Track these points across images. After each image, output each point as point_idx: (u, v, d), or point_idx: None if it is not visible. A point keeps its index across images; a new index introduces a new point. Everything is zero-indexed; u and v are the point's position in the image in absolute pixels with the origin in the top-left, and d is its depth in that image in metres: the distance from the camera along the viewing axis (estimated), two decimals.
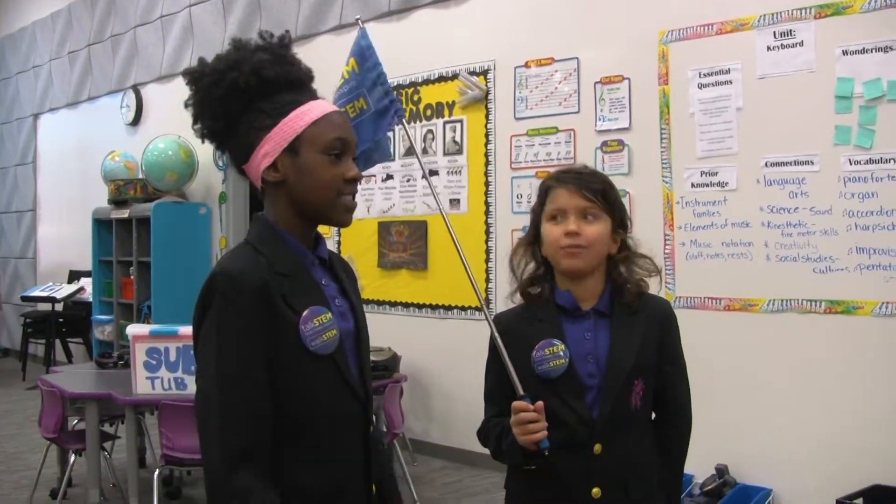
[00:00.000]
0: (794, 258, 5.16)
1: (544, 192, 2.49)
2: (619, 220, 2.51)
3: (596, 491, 2.38)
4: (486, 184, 6.74)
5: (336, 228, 7.79)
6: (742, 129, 5.37)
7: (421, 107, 7.29)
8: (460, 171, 6.93)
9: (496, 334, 2.48)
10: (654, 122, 5.75)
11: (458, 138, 7.01)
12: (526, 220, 6.07)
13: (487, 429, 2.54)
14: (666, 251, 5.67)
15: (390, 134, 3.16)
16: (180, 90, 2.29)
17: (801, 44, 5.12)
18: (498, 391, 2.55)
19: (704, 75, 5.52)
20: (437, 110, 7.18)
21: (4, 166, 13.61)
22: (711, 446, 5.41)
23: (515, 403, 2.34)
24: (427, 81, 7.25)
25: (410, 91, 7.36)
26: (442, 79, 7.14)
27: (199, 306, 2.05)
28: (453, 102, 7.03)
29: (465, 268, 2.89)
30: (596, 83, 6.08)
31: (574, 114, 6.21)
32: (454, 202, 6.89)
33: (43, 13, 12.50)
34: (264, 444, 1.99)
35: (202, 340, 2.05)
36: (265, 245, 2.11)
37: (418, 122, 7.30)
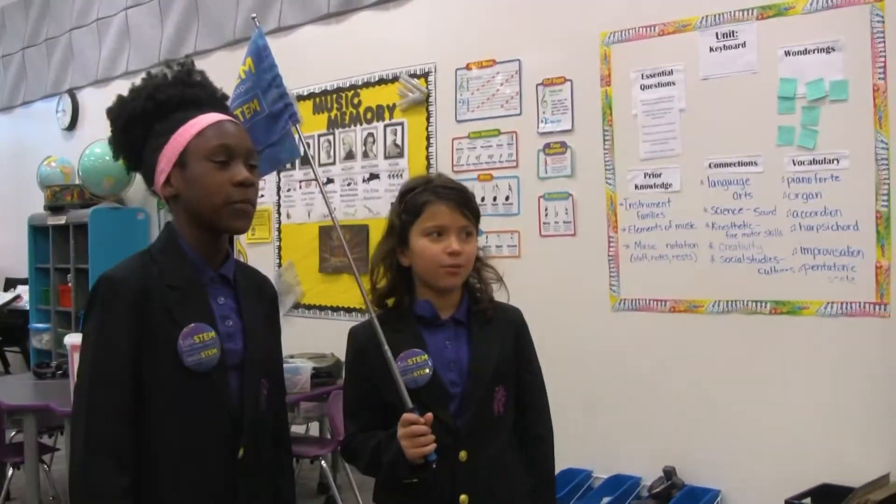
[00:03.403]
0: (738, 259, 5.15)
1: (419, 206, 2.46)
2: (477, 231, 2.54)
3: (464, 498, 2.41)
4: None
5: (275, 235, 7.71)
6: (685, 131, 5.36)
7: (361, 109, 7.21)
8: (401, 175, 6.85)
9: (386, 347, 2.42)
10: (597, 123, 5.71)
11: (398, 141, 6.94)
12: None
13: (355, 445, 2.51)
14: (610, 253, 5.65)
15: (294, 130, 3.07)
16: (117, 94, 2.27)
17: (744, 45, 5.11)
18: (360, 407, 2.53)
19: (647, 76, 5.49)
20: (378, 113, 7.10)
21: None
22: (659, 448, 5.41)
23: (406, 416, 2.33)
24: (367, 84, 7.17)
25: (350, 94, 7.28)
26: (382, 81, 7.06)
27: (85, 308, 2.11)
28: (394, 105, 6.96)
29: (356, 278, 2.81)
30: (538, 85, 6.04)
31: (516, 116, 6.16)
32: None
33: None
34: (123, 449, 2.02)
35: (82, 340, 2.10)
36: (162, 255, 2.16)
37: (358, 125, 7.22)
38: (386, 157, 7.02)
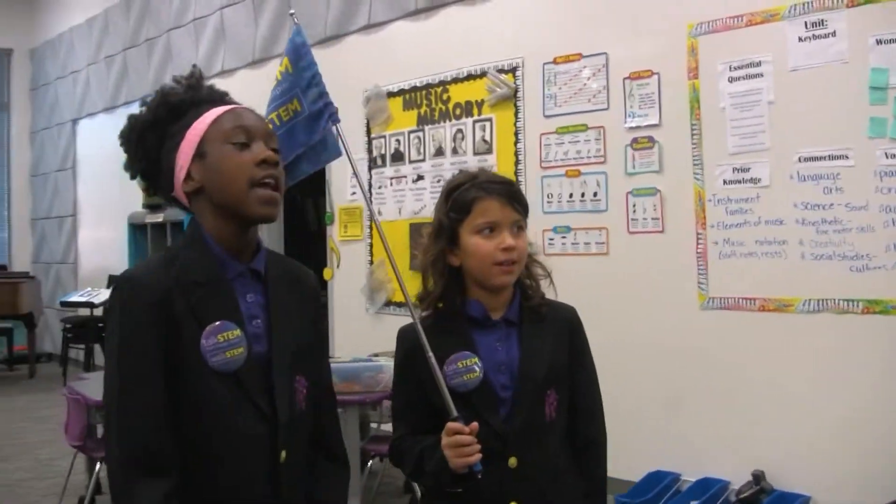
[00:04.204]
0: (829, 256, 4.97)
1: (469, 203, 2.38)
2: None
3: None
4: (517, 183, 6.58)
5: (366, 232, 7.71)
6: (774, 124, 5.19)
7: (450, 106, 7.16)
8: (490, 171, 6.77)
9: (430, 352, 2.36)
10: (685, 117, 5.58)
11: (487, 137, 6.88)
12: (557, 221, 6.02)
13: (402, 449, 2.45)
14: (698, 250, 5.51)
15: (335, 130, 3.00)
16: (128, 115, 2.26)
17: (834, 34, 4.93)
18: (409, 408, 2.47)
19: (735, 68, 5.34)
20: (467, 109, 7.04)
21: (45, 172, 13.70)
22: (747, 452, 5.27)
23: (450, 425, 2.26)
24: (456, 80, 7.12)
25: (440, 90, 7.24)
26: (471, 77, 7.00)
27: (106, 310, 2.04)
28: (482, 101, 6.90)
29: (396, 275, 2.78)
30: (625, 79, 5.92)
31: (603, 110, 6.04)
32: None
33: (80, 19, 12.57)
34: (160, 452, 1.94)
35: (105, 345, 2.05)
36: (186, 250, 2.08)
37: (447, 121, 7.18)
38: (475, 154, 6.96)
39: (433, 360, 2.34)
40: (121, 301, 2.00)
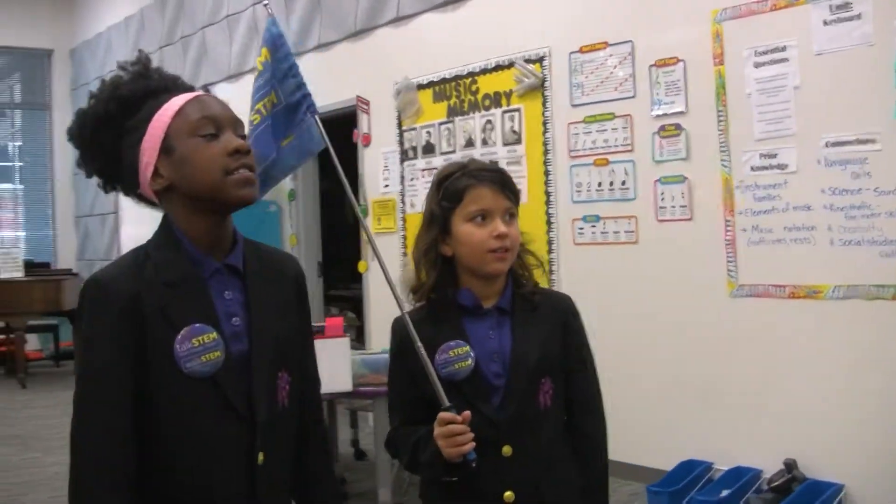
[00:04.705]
0: (858, 242, 4.90)
1: (460, 191, 2.37)
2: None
3: (509, 494, 2.32)
4: (546, 173, 6.57)
5: (399, 224, 7.71)
6: (800, 109, 5.12)
7: (479, 97, 7.15)
8: (520, 161, 6.77)
9: (419, 342, 2.35)
10: (711, 104, 5.52)
11: (516, 128, 6.85)
12: (586, 210, 6.01)
13: (397, 440, 2.45)
14: (727, 238, 5.46)
15: (314, 121, 2.97)
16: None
17: (859, 16, 4.85)
18: (403, 398, 2.48)
19: (760, 53, 5.28)
20: (496, 100, 7.02)
21: None
22: (779, 440, 5.22)
23: (442, 415, 2.25)
24: (484, 71, 7.10)
25: (468, 81, 7.22)
26: (499, 67, 6.98)
27: (77, 312, 1.98)
28: (511, 91, 6.88)
29: (385, 273, 2.79)
30: (651, 66, 5.87)
31: (630, 98, 6.00)
32: None
33: (118, 18, 12.66)
34: (119, 462, 1.88)
35: (75, 347, 1.98)
36: (158, 250, 2.00)
37: (477, 112, 7.16)
38: (504, 144, 6.94)
39: (422, 350, 2.34)
40: (87, 304, 1.92)
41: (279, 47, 3.04)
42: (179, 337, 1.91)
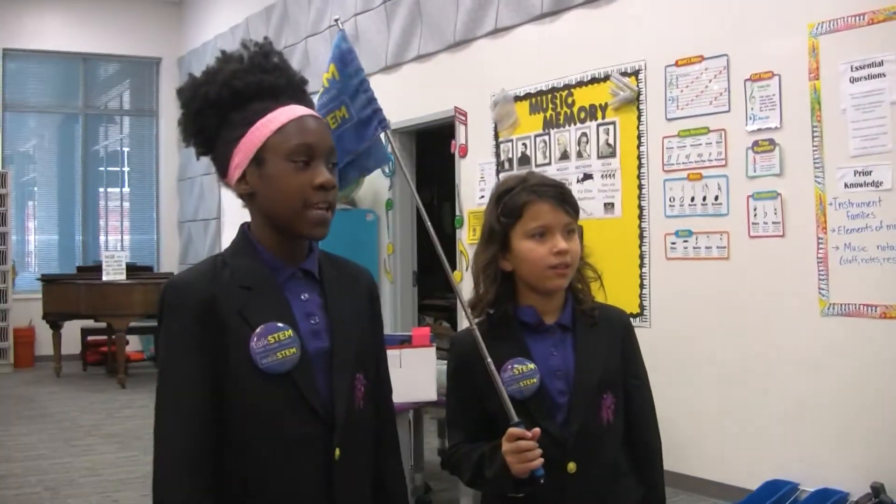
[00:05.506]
0: None
1: (520, 207, 2.34)
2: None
3: None
4: (640, 187, 6.54)
5: None
6: None
7: (575, 109, 7.14)
8: (614, 175, 6.75)
9: (488, 358, 2.32)
10: (805, 119, 5.44)
11: (611, 141, 6.83)
12: (680, 224, 5.95)
13: (459, 456, 2.41)
14: (819, 255, 5.37)
15: (383, 136, 2.97)
16: (189, 74, 2.25)
17: None
18: (464, 416, 2.45)
19: (856, 68, 5.19)
20: (591, 112, 7.02)
21: (192, 176, 14.08)
22: (867, 463, 5.12)
23: (512, 430, 2.22)
24: (580, 83, 7.10)
25: (564, 93, 7.23)
26: (594, 80, 6.97)
27: (157, 316, 2.03)
28: (606, 104, 6.86)
29: (451, 281, 2.81)
30: (746, 80, 5.81)
31: (724, 113, 5.95)
32: (608, 206, 6.70)
33: (224, 27, 12.92)
34: (195, 455, 1.93)
35: (158, 350, 2.03)
36: (235, 257, 2.05)
37: (572, 125, 7.16)
38: (599, 157, 6.92)
39: (492, 366, 2.31)
40: (165, 307, 1.99)
41: (349, 63, 3.05)
42: (255, 333, 1.95)
